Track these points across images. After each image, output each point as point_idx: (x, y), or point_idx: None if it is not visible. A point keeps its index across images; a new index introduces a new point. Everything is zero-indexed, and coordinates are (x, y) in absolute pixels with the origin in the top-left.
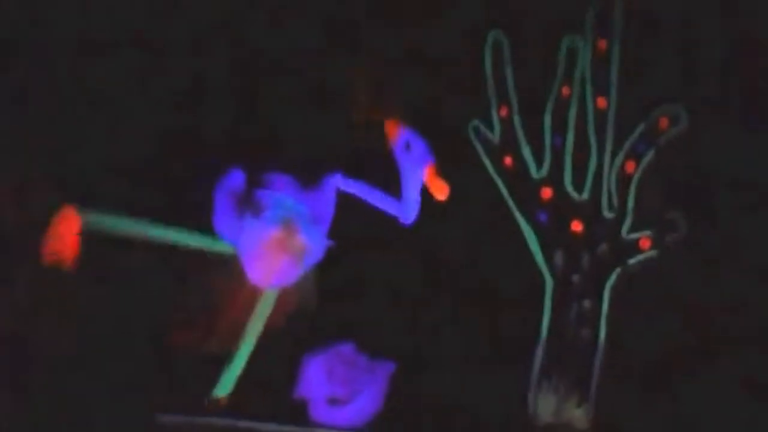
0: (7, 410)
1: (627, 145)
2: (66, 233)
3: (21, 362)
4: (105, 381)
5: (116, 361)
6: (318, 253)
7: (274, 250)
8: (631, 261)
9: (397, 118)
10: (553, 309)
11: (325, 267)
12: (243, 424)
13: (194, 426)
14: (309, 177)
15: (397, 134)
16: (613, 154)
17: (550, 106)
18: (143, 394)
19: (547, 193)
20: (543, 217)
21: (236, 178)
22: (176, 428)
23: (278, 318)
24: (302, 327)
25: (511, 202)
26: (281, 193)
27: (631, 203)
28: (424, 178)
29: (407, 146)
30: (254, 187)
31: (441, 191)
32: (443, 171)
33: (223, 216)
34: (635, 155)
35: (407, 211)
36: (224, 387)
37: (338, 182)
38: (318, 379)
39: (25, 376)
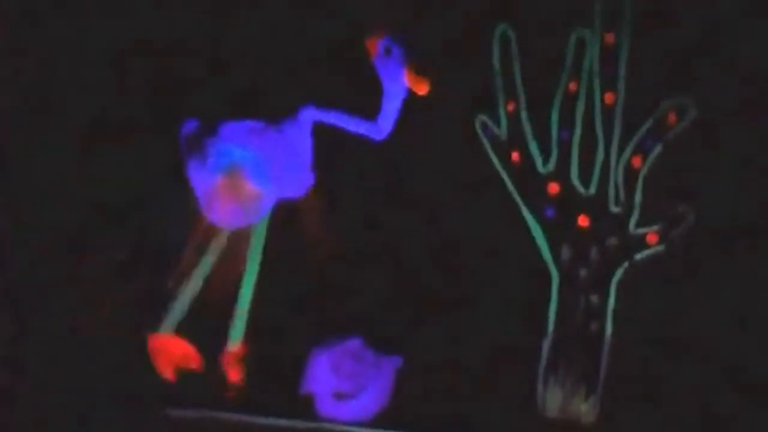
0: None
1: (634, 139)
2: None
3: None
4: (114, 373)
5: (125, 353)
6: (296, 189)
7: (221, 196)
8: (638, 256)
9: (377, 33)
10: (560, 304)
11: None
12: (249, 418)
13: (202, 420)
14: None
15: (377, 45)
16: (620, 149)
17: (557, 101)
18: (153, 387)
19: (554, 188)
20: (550, 211)
21: (190, 126)
22: (185, 422)
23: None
24: (309, 321)
25: (517, 197)
26: (227, 141)
27: (638, 198)
28: (405, 80)
29: (387, 51)
30: (204, 135)
31: (421, 86)
32: (450, 166)
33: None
34: (642, 150)
35: (383, 125)
36: (238, 332)
37: (312, 114)
38: (325, 373)
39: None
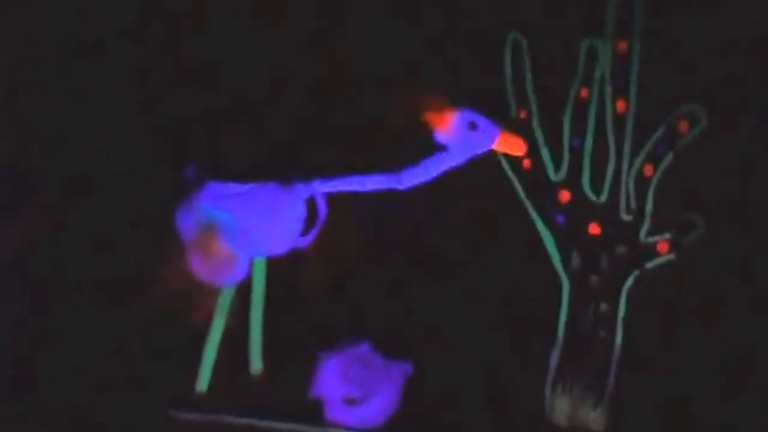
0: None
1: (646, 147)
2: None
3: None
4: (117, 375)
5: (128, 355)
6: (279, 249)
7: (197, 251)
8: (649, 264)
9: (446, 107)
10: (570, 311)
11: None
12: (257, 422)
13: (208, 423)
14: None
15: (451, 120)
16: (632, 157)
17: (568, 109)
18: (157, 389)
19: (565, 195)
20: (560, 219)
21: (188, 172)
22: (190, 425)
23: None
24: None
25: (528, 204)
26: (205, 201)
27: (649, 207)
28: (496, 147)
29: (472, 126)
30: (194, 186)
31: (518, 148)
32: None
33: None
34: (654, 158)
35: (408, 177)
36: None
37: (317, 187)
38: (333, 378)
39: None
